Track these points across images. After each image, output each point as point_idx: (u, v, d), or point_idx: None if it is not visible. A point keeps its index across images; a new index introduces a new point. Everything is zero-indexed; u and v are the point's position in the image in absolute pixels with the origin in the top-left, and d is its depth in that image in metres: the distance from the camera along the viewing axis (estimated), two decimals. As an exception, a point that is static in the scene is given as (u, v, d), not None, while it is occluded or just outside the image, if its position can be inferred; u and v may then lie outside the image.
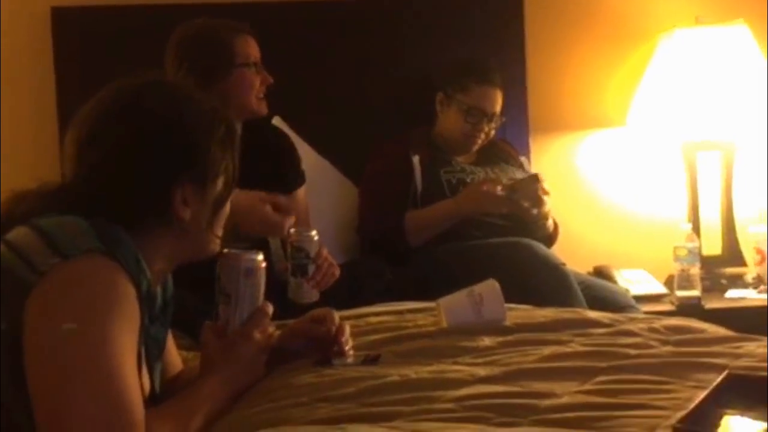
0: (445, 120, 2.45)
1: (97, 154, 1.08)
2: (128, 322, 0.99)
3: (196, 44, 2.00)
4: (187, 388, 1.17)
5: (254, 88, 2.04)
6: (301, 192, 2.18)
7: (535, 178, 2.27)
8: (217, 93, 1.88)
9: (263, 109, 2.09)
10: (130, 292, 0.99)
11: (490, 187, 2.24)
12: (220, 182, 1.12)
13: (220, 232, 1.16)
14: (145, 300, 1.04)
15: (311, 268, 1.81)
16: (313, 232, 1.83)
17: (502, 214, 2.26)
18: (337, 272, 1.88)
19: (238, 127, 2.11)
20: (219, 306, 1.22)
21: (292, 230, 1.86)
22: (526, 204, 2.23)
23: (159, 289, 1.17)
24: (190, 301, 1.74)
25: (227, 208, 1.17)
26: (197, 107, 1.12)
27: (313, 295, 1.82)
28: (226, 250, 1.23)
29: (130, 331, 0.99)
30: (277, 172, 2.12)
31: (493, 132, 2.45)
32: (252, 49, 2.06)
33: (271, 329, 1.25)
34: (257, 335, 1.20)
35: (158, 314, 1.16)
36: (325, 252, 1.86)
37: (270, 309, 1.24)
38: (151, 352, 1.13)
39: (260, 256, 1.24)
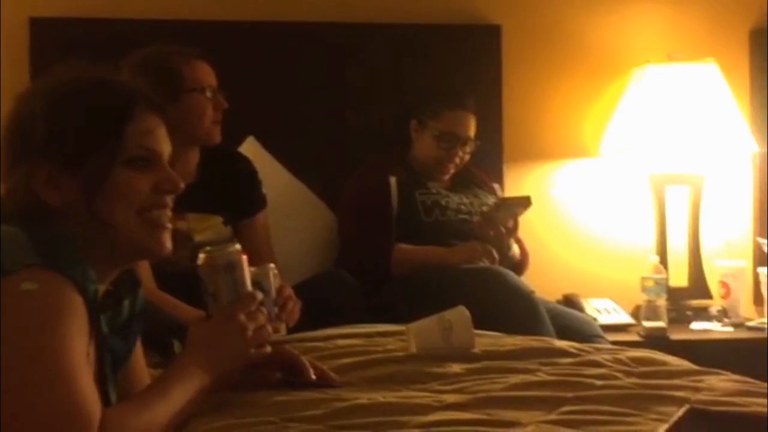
0: (420, 147, 2.47)
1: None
2: (76, 329, 0.98)
3: (145, 70, 1.93)
4: (161, 373, 1.14)
5: (205, 115, 2.00)
6: (261, 216, 2.17)
7: (527, 201, 2.29)
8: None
9: (216, 136, 2.04)
10: (74, 299, 0.99)
11: (481, 245, 2.25)
12: (92, 162, 1.05)
13: (125, 220, 1.06)
14: (91, 303, 1.02)
15: (267, 303, 1.78)
16: (271, 266, 1.80)
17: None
18: (299, 310, 1.82)
19: (196, 153, 2.10)
20: (208, 308, 1.18)
21: (253, 268, 1.83)
22: (500, 226, 2.26)
23: (126, 302, 1.15)
24: (161, 319, 1.74)
25: (126, 188, 1.06)
26: (59, 88, 1.08)
27: (269, 333, 1.79)
28: (202, 252, 1.20)
29: (79, 339, 0.99)
30: (237, 197, 2.12)
31: (467, 156, 2.47)
32: (203, 75, 2.02)
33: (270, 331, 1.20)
34: (240, 318, 1.16)
35: (121, 326, 1.14)
36: (288, 291, 1.81)
37: (259, 296, 1.20)
38: (106, 363, 1.11)
39: (237, 246, 1.20)
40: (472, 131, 2.45)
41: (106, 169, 1.05)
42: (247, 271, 1.21)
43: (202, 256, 1.20)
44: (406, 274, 2.27)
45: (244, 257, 1.21)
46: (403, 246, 2.31)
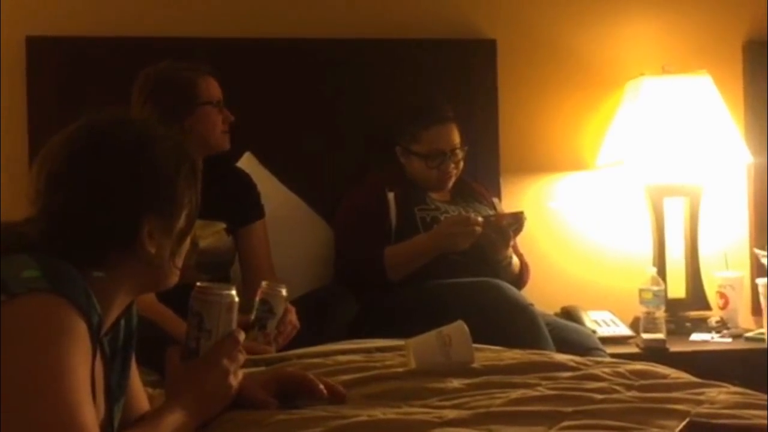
0: (412, 170, 2.46)
1: (64, 192, 1.08)
2: (79, 354, 0.98)
3: (160, 84, 2.08)
4: (149, 415, 1.15)
5: (217, 126, 2.13)
6: (259, 225, 2.23)
7: (521, 216, 2.29)
8: (181, 130, 1.91)
9: (226, 143, 2.17)
10: (79, 325, 0.99)
11: (462, 227, 2.24)
12: (183, 216, 1.13)
13: (180, 263, 1.16)
14: (96, 334, 1.03)
15: (271, 324, 1.82)
16: (283, 289, 1.84)
17: (466, 248, 2.26)
18: (293, 335, 1.89)
19: (200, 162, 2.17)
20: (200, 341, 1.20)
21: (264, 282, 1.87)
22: (495, 237, 2.25)
23: (123, 322, 1.16)
24: (160, 335, 1.74)
25: (189, 240, 1.17)
26: (163, 144, 1.13)
27: (269, 351, 1.81)
28: (200, 284, 1.23)
29: (82, 363, 0.99)
30: (236, 204, 2.17)
31: (461, 163, 2.46)
32: (213, 89, 2.14)
33: (241, 372, 1.24)
34: (225, 362, 1.20)
35: (120, 347, 1.15)
36: (291, 316, 1.87)
37: (242, 337, 1.23)
38: (113, 388, 1.12)
39: (234, 290, 1.25)
40: (456, 139, 2.42)
41: (192, 224, 1.14)
42: (236, 315, 1.25)
43: (203, 286, 1.22)
44: (405, 274, 2.25)
45: (237, 300, 1.25)
46: (390, 248, 2.29)
